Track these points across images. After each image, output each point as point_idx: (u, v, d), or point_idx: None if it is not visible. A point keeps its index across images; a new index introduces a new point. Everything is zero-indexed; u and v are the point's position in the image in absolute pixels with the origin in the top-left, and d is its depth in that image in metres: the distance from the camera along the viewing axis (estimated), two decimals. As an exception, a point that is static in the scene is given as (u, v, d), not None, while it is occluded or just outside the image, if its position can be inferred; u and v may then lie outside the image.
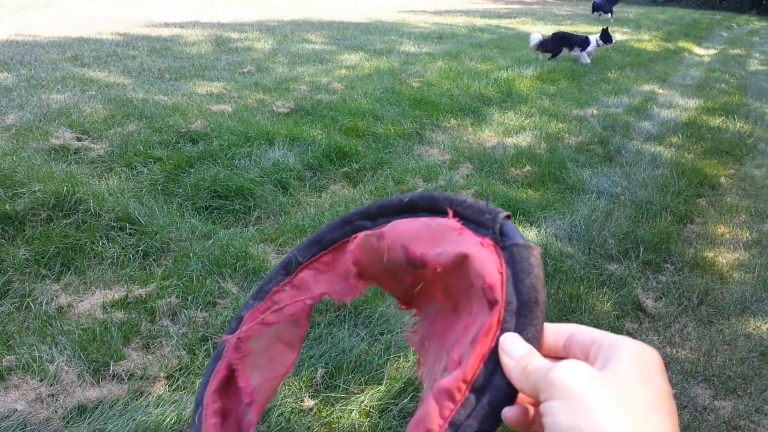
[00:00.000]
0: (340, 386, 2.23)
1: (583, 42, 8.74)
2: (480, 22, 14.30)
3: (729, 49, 13.25)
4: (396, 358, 2.40)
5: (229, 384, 0.56)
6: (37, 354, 2.27)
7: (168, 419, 2.01)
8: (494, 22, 14.51)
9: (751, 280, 3.30)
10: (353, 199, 3.81)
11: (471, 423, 0.42)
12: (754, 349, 2.71)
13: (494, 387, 0.43)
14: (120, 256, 2.97)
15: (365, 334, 2.52)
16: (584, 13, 18.86)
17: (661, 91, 7.89)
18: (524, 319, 0.44)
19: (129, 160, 3.99)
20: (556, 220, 3.74)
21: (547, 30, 12.82)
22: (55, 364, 2.23)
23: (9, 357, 2.24)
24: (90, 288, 2.74)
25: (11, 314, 2.53)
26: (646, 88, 7.95)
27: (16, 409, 2.02)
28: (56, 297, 2.65)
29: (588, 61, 8.85)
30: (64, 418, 2.02)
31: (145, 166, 3.94)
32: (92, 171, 3.83)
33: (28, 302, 2.59)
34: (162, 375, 2.23)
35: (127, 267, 2.91)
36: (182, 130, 4.47)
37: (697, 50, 12.29)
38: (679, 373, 2.54)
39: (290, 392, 2.17)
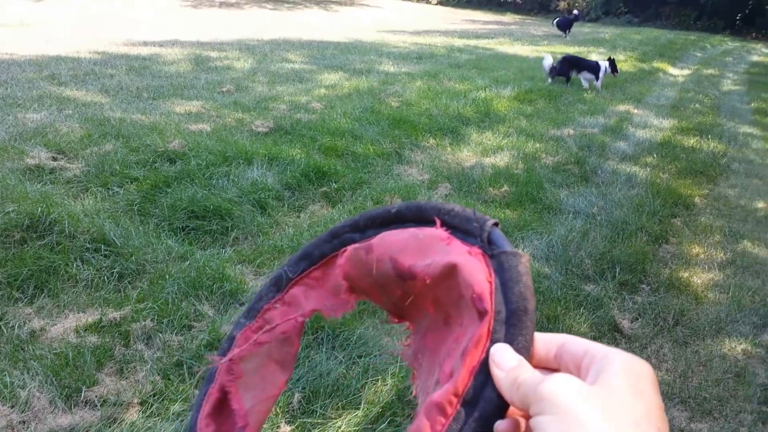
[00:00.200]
0: (317, 411, 2.21)
1: (594, 67, 8.92)
2: (458, 42, 14.44)
3: (703, 69, 13.50)
4: (374, 381, 2.39)
5: (223, 407, 0.55)
6: (8, 379, 2.22)
7: (141, 446, 1.98)
8: (472, 42, 14.66)
9: (725, 300, 3.34)
10: (332, 219, 3.80)
11: None
12: (730, 371, 2.74)
13: (485, 400, 0.42)
14: (94, 278, 2.93)
15: (343, 357, 2.51)
16: (560, 34, 19.12)
17: (636, 111, 8.01)
18: (514, 328, 0.43)
19: (105, 180, 3.96)
20: (533, 240, 3.76)
21: (526, 50, 12.98)
22: (27, 389, 2.19)
23: (-22, 383, 2.20)
24: (63, 311, 2.70)
25: (-18, 339, 2.48)
26: (622, 108, 8.07)
27: (-15, 437, 1.98)
28: (29, 320, 2.61)
29: (599, 86, 9.02)
30: (34, 446, 1.98)
31: (121, 186, 3.91)
32: (68, 191, 3.79)
33: (0, 326, 2.54)
34: (135, 401, 2.20)
35: (101, 289, 2.87)
36: (160, 150, 4.44)
37: (672, 71, 12.51)
38: (655, 394, 2.55)
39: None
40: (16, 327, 2.54)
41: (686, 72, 12.58)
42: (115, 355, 2.42)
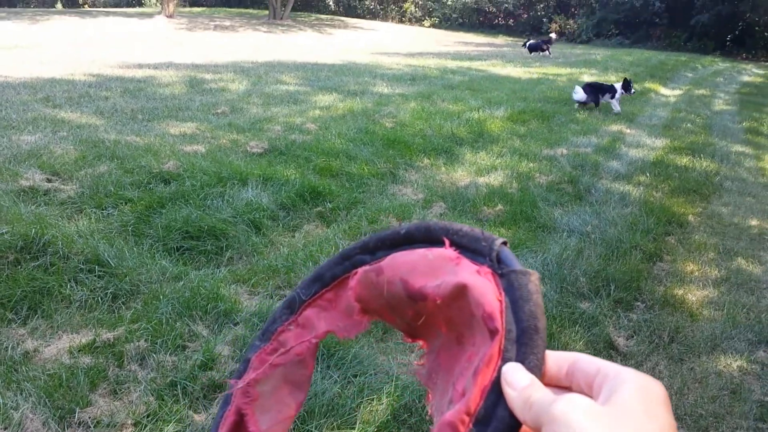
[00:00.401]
0: (312, 431, 2.19)
1: (610, 90, 9.12)
2: (451, 64, 14.56)
3: (694, 89, 13.62)
4: (369, 401, 2.38)
5: (239, 429, 0.55)
6: (1, 401, 2.20)
7: (135, 468, 1.96)
8: (465, 64, 14.78)
9: (720, 317, 3.34)
10: (327, 239, 3.81)
11: None
12: (725, 387, 2.74)
13: (497, 419, 0.42)
14: (88, 299, 2.92)
15: (338, 377, 2.49)
16: (553, 56, 19.32)
17: (628, 131, 8.07)
18: (525, 347, 0.43)
19: (99, 201, 3.95)
20: (528, 259, 3.76)
21: (519, 71, 13.09)
22: (20, 411, 2.17)
23: (-30, 405, 2.18)
24: (57, 332, 2.68)
25: (-26, 360, 2.46)
26: (614, 128, 8.12)
27: (-23, 460, 1.95)
28: (22, 342, 2.59)
29: (619, 108, 9.19)
30: (26, 468, 1.95)
31: (115, 207, 3.91)
32: (62, 212, 3.78)
33: (-8, 348, 2.52)
34: (129, 422, 2.18)
35: (95, 310, 2.86)
36: (154, 171, 4.45)
37: (663, 91, 12.63)
38: (652, 412, 2.54)
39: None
40: (9, 348, 2.52)
41: (678, 92, 12.70)
42: (109, 375, 2.41)
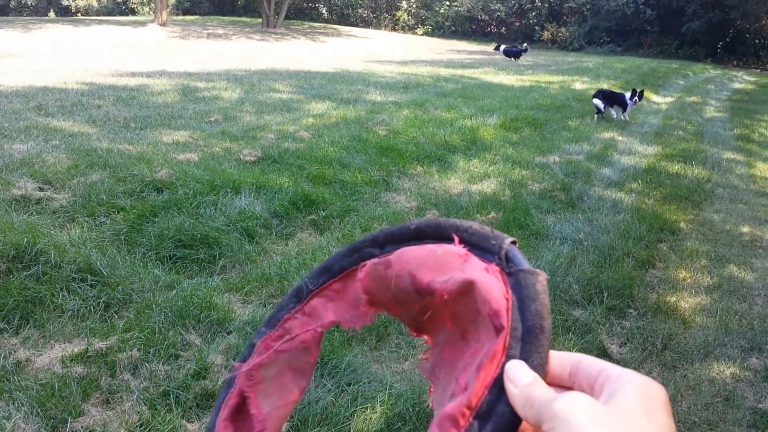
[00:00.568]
0: (306, 439, 2.19)
1: (622, 101, 9.31)
2: (444, 72, 14.60)
3: (686, 96, 13.70)
4: (363, 409, 2.37)
5: (240, 412, 0.56)
6: (-9, 412, 2.19)
7: (127, 478, 1.95)
8: (458, 72, 14.83)
9: (713, 324, 3.35)
10: (320, 247, 3.80)
11: None
12: (719, 394, 2.74)
13: (498, 414, 0.42)
14: (81, 308, 2.90)
15: (332, 385, 2.49)
16: (545, 63, 19.42)
17: (620, 138, 8.11)
18: (529, 346, 0.43)
19: (92, 209, 3.94)
20: (521, 267, 3.76)
21: (511, 79, 13.14)
22: (12, 421, 2.15)
23: (-39, 416, 2.16)
24: (49, 342, 2.67)
25: (-35, 371, 2.45)
26: (606, 135, 8.16)
27: (-33, 471, 1.94)
28: (14, 351, 2.58)
29: (626, 118, 9.40)
30: (17, 479, 1.94)
31: (108, 216, 3.90)
32: (54, 221, 3.77)
33: (-16, 358, 2.51)
34: (122, 431, 2.17)
35: (87, 319, 2.85)
36: (147, 180, 4.44)
37: (655, 98, 12.69)
38: (645, 419, 2.55)
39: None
40: (1, 358, 2.51)
41: (669, 99, 12.77)
42: (102, 385, 2.40)
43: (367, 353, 2.77)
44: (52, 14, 40.75)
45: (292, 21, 37.25)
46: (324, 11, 42.15)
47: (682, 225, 4.89)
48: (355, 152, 5.80)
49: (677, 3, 29.62)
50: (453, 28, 38.49)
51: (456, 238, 0.51)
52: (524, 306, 0.45)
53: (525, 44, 22.09)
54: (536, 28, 35.89)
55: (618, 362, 2.93)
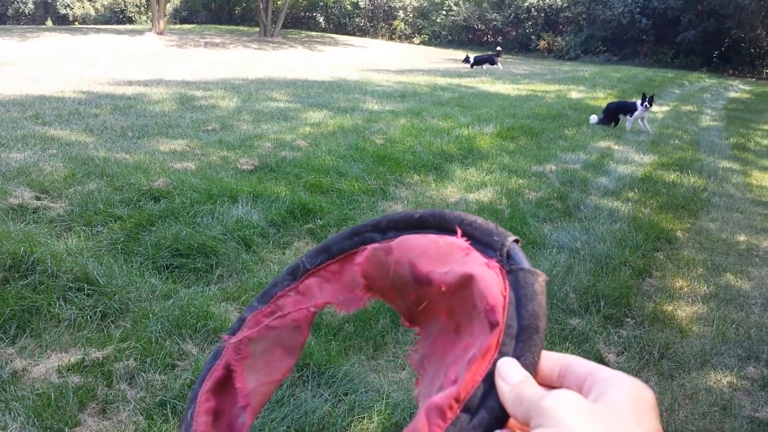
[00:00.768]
0: (303, 449, 2.18)
1: (631, 108, 9.46)
2: (441, 81, 14.64)
3: (681, 105, 13.75)
4: (360, 419, 2.37)
5: (225, 384, 0.55)
6: (-14, 422, 2.18)
7: (124, 489, 1.94)
8: (455, 81, 14.87)
9: (710, 333, 3.35)
10: (317, 257, 3.79)
11: None
12: (716, 403, 2.74)
13: (486, 409, 0.42)
14: (77, 317, 2.90)
15: (329, 395, 2.48)
16: (541, 72, 19.48)
17: (617, 147, 8.13)
18: (523, 344, 0.43)
19: (89, 219, 3.94)
20: (518, 276, 3.76)
21: (507, 88, 13.18)
22: (8, 431, 2.15)
23: (-44, 426, 2.15)
24: (46, 351, 2.66)
25: (-39, 381, 2.44)
26: (603, 144, 8.19)
27: (-37, 482, 1.93)
28: (11, 361, 2.57)
29: (630, 126, 9.53)
30: (13, 490, 1.93)
31: (105, 225, 3.89)
32: (51, 230, 3.76)
33: (-21, 368, 2.50)
34: (118, 442, 2.16)
35: (84, 329, 2.84)
36: (144, 188, 4.44)
37: (651, 107, 12.72)
38: (642, 428, 2.55)
39: (252, 457, 2.12)
40: (-4, 368, 2.50)
41: (665, 108, 12.81)
42: (98, 395, 2.39)
43: (364, 363, 2.77)
44: (49, 23, 40.81)
45: (290, 30, 37.34)
46: (321, 20, 42.27)
47: (679, 234, 4.90)
48: (352, 161, 5.81)
49: (673, 13, 29.78)
50: (450, 37, 38.61)
51: (459, 231, 0.51)
52: (521, 305, 0.45)
53: (498, 48, 22.15)
54: (532, 37, 36.04)
55: (615, 371, 2.92)
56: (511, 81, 15.48)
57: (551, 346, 3.02)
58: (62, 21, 42.09)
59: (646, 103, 9.14)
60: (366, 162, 5.82)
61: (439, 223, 0.53)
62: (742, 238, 4.94)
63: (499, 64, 20.23)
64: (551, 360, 0.45)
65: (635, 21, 30.95)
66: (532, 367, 0.43)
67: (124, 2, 44.07)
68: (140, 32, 29.06)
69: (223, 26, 37.94)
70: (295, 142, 6.44)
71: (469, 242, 0.50)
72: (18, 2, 41.44)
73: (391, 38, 40.36)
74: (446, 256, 0.50)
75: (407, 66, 20.39)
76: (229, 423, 0.54)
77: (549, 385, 0.44)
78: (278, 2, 34.21)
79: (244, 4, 42.07)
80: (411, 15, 40.55)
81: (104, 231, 3.82)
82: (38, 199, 4.17)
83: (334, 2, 40.00)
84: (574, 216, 5.05)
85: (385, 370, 2.73)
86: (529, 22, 36.14)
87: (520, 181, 5.87)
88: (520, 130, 8.23)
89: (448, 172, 6.02)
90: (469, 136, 7.49)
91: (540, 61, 29.25)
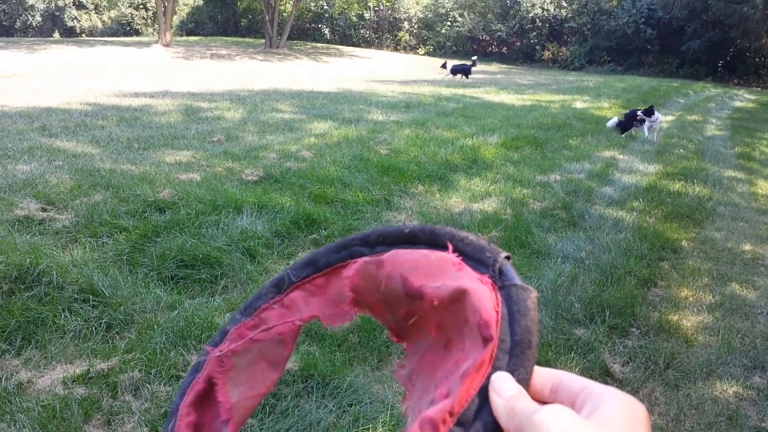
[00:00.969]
0: (307, 461, 2.18)
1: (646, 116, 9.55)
2: (445, 91, 14.68)
3: (686, 115, 13.74)
4: (365, 430, 2.36)
5: (206, 398, 0.54)
6: (-8, 433, 2.19)
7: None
8: (459, 91, 14.90)
9: (715, 342, 3.34)
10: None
11: None
12: (722, 413, 2.73)
13: (480, 423, 0.42)
14: (82, 329, 2.91)
15: (333, 406, 2.48)
16: (545, 82, 19.50)
17: (621, 156, 8.13)
18: (516, 359, 0.44)
19: (94, 230, 3.96)
20: (523, 286, 3.76)
21: (512, 98, 13.20)
22: (11, 443, 2.15)
23: (-38, 437, 2.16)
24: (51, 363, 2.67)
25: (-34, 392, 2.45)
26: (607, 154, 8.18)
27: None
28: (16, 372, 2.57)
29: (649, 136, 9.61)
30: (18, 501, 1.93)
31: (110, 237, 3.91)
32: (56, 242, 3.78)
33: (-15, 379, 2.51)
34: (123, 453, 2.16)
35: (89, 340, 2.85)
36: (149, 200, 4.46)
37: (650, 117, 12.71)
38: (648, 439, 2.53)
39: (256, 468, 2.12)
40: (3, 379, 2.51)
41: (670, 118, 12.80)
42: (103, 406, 2.39)
43: (369, 373, 2.77)
44: (57, 35, 41.13)
45: (295, 41, 37.53)
46: (326, 32, 42.48)
47: (684, 243, 4.89)
48: (357, 171, 5.83)
49: (677, 22, 29.83)
50: (454, 48, 38.74)
51: (450, 247, 0.51)
52: (514, 320, 0.45)
53: (474, 57, 22.25)
54: (537, 47, 36.13)
55: (620, 382, 2.92)
56: (515, 91, 15.50)
57: (556, 356, 3.01)
58: (69, 33, 42.41)
59: (640, 113, 9.30)
60: (370, 172, 5.83)
61: (429, 239, 0.52)
62: (747, 247, 4.93)
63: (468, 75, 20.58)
64: (544, 375, 0.46)
65: (640, 31, 31.02)
66: (525, 382, 0.43)
67: (131, 15, 44.39)
68: (147, 44, 29.25)
69: (229, 38, 38.16)
70: (299, 153, 6.47)
71: (460, 258, 0.50)
72: (26, 15, 41.78)
73: (395, 49, 40.53)
74: (439, 271, 0.50)
75: (412, 77, 20.44)
76: None
77: (541, 401, 0.44)
78: (284, 14, 34.41)
79: (250, 16, 42.34)
80: (416, 26, 40.73)
81: (110, 242, 3.83)
82: (44, 210, 4.19)
83: (339, 14, 40.20)
84: (579, 226, 5.04)
85: (390, 381, 2.73)
86: (534, 33, 36.24)
87: (525, 191, 5.87)
88: (525, 140, 8.24)
89: (452, 182, 6.02)
90: (474, 146, 7.50)
91: (544, 72, 29.31)
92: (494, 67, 32.38)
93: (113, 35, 41.88)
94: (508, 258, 0.49)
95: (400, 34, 41.07)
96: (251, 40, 37.45)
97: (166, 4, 29.32)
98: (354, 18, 41.26)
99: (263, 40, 33.57)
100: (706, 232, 5.29)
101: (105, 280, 3.24)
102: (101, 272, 3.35)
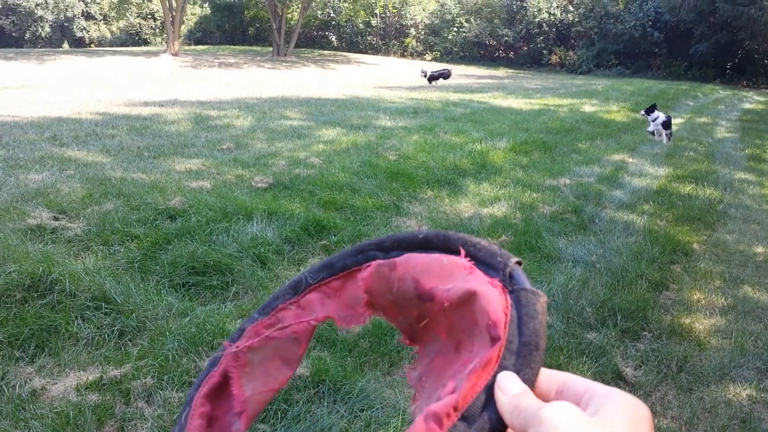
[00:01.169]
0: (319, 466, 2.18)
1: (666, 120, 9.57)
2: (453, 96, 14.68)
3: (696, 117, 13.69)
4: (377, 434, 2.36)
5: (221, 391, 0.56)
6: (6, 441, 2.20)
7: (142, 506, 1.94)
8: (467, 96, 14.91)
9: (728, 345, 3.32)
10: (332, 273, 3.80)
11: None
12: (735, 416, 2.71)
13: (483, 419, 0.43)
14: (95, 336, 2.92)
15: (345, 411, 2.48)
16: (553, 87, 19.48)
17: (631, 160, 8.10)
18: (523, 360, 0.44)
19: (106, 238, 3.98)
20: (533, 290, 3.75)
21: (520, 103, 13.19)
22: (26, 450, 2.16)
23: (-23, 445, 2.18)
24: (64, 370, 2.68)
25: (-19, 399, 2.47)
26: (617, 157, 8.16)
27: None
28: (30, 380, 2.59)
29: (658, 137, 9.61)
30: (33, 508, 1.94)
31: (122, 245, 3.93)
32: (69, 250, 3.81)
33: (1, 386, 2.52)
34: (136, 459, 2.17)
35: (102, 347, 2.86)
36: (160, 208, 4.48)
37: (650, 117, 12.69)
38: (662, 443, 2.52)
39: (269, 474, 2.12)
40: (17, 386, 2.53)
41: (679, 121, 12.76)
42: (116, 413, 2.40)
43: (380, 378, 2.77)
44: (66, 45, 41.47)
45: (302, 49, 37.68)
46: (334, 39, 42.66)
47: (695, 246, 4.86)
48: (366, 177, 5.84)
49: (685, 25, 29.76)
50: (461, 54, 38.80)
51: (462, 252, 0.52)
52: (522, 323, 0.46)
53: (450, 68, 22.45)
54: (544, 51, 36.13)
55: (633, 385, 2.91)
56: (523, 96, 15.49)
57: (568, 360, 3.00)
58: (79, 44, 42.75)
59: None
60: (379, 178, 5.84)
61: (443, 244, 0.54)
62: (759, 249, 4.90)
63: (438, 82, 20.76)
64: (549, 377, 0.47)
65: (647, 34, 30.97)
66: (530, 383, 0.44)
67: (140, 25, 44.71)
68: (155, 54, 29.44)
69: (237, 46, 38.36)
70: (308, 160, 6.49)
71: (472, 263, 0.51)
72: (35, 26, 42.15)
73: (403, 55, 40.62)
74: (450, 274, 0.51)
75: (419, 83, 20.47)
76: (222, 430, 0.55)
77: (547, 402, 0.45)
78: (291, 22, 34.57)
79: (258, 25, 42.56)
80: (422, 32, 40.82)
81: (121, 250, 3.86)
82: (56, 219, 4.22)
83: (346, 21, 40.35)
84: (589, 229, 5.03)
85: (401, 386, 2.72)
86: (541, 37, 36.24)
87: (534, 195, 5.86)
88: (534, 145, 8.23)
89: (461, 187, 6.02)
90: (482, 151, 7.50)
91: (552, 76, 29.28)
92: (501, 71, 32.37)
93: (122, 45, 42.19)
94: (519, 263, 0.50)
95: (407, 40, 41.17)
96: (259, 48, 37.63)
97: (174, 13, 29.52)
98: (361, 25, 41.41)
99: (271, 49, 33.74)
100: (718, 234, 5.26)
101: (117, 288, 3.26)
102: (113, 280, 3.37)
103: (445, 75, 20.56)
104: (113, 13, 40.10)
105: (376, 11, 39.21)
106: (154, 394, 2.53)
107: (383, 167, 6.25)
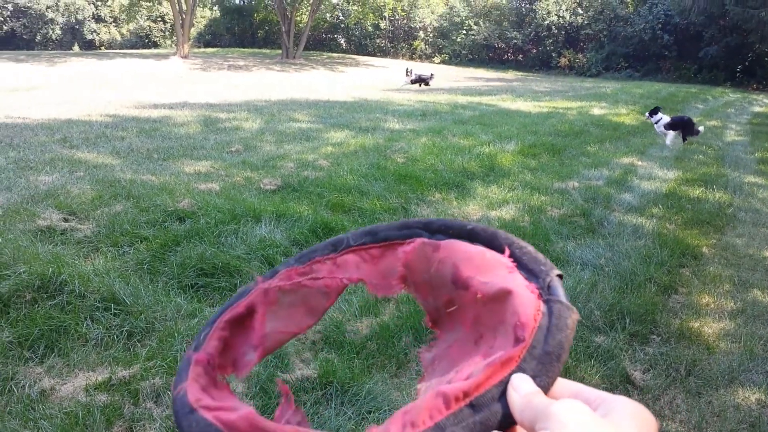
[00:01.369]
0: (327, 468, 2.18)
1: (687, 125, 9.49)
2: (462, 99, 14.68)
3: (705, 120, 13.61)
4: (384, 436, 2.36)
5: (242, 322, 0.57)
6: (16, 440, 2.22)
7: (150, 506, 1.95)
8: (476, 99, 14.90)
9: (737, 349, 3.30)
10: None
11: (457, 431, 0.42)
12: (744, 421, 2.70)
13: (491, 411, 0.43)
14: (104, 337, 2.94)
15: (352, 413, 2.49)
16: (562, 89, 19.45)
17: (640, 163, 8.07)
18: (542, 367, 0.45)
19: (115, 239, 4.00)
20: (541, 293, 3.74)
21: (528, 106, 13.17)
22: (35, 450, 2.18)
23: (-13, 444, 2.19)
24: (73, 370, 2.70)
25: (-9, 399, 2.48)
26: (626, 160, 8.13)
27: (-7, 499, 1.96)
28: (39, 380, 2.61)
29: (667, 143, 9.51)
30: (42, 507, 1.95)
31: (131, 246, 3.95)
32: (78, 251, 3.83)
33: (11, 386, 2.54)
34: (145, 460, 2.18)
35: (111, 348, 2.88)
36: (169, 209, 4.50)
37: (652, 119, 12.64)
38: (670, 447, 2.51)
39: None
40: (26, 386, 2.54)
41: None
42: (125, 413, 2.42)
43: (388, 380, 2.77)
44: (76, 48, 41.71)
45: (311, 52, 37.76)
46: (342, 42, 42.74)
47: (705, 250, 4.84)
48: (374, 180, 5.84)
49: (695, 28, 29.65)
50: (470, 56, 38.77)
51: (507, 251, 0.53)
52: (550, 333, 0.46)
53: (431, 73, 22.51)
54: (553, 54, 36.05)
55: (641, 389, 2.89)
56: (532, 98, 15.47)
57: (576, 364, 3.00)
58: (89, 46, 42.99)
59: (647, 115, 9.28)
60: (387, 181, 5.85)
61: (489, 240, 0.54)
62: (769, 253, 4.87)
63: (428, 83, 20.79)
64: (561, 387, 0.47)
65: (657, 37, 30.87)
66: (544, 390, 0.45)
67: (150, 27, 44.92)
68: (165, 56, 29.57)
69: (246, 49, 38.49)
70: (317, 162, 6.50)
71: (514, 263, 0.52)
72: (46, 28, 42.43)
73: (411, 58, 40.64)
74: (490, 268, 0.51)
75: (428, 85, 20.47)
76: (235, 358, 0.56)
77: None
78: (300, 25, 34.67)
79: (267, 28, 42.70)
80: (431, 35, 40.82)
81: (130, 251, 3.88)
82: (66, 220, 4.25)
83: (355, 24, 40.42)
84: (598, 233, 5.02)
85: (409, 388, 2.72)
86: (550, 40, 36.18)
87: (543, 198, 5.85)
88: (542, 147, 8.22)
89: (469, 189, 6.02)
90: (491, 153, 7.50)
91: (561, 78, 29.23)
92: (510, 74, 32.35)
93: (132, 48, 42.40)
94: (560, 276, 0.50)
95: (416, 43, 41.19)
96: (268, 51, 37.74)
97: (184, 16, 29.65)
98: (370, 28, 41.47)
99: (280, 51, 33.83)
100: (727, 238, 5.23)
101: (126, 289, 3.28)
102: (122, 281, 3.39)
103: (427, 81, 20.66)
104: (123, 16, 40.34)
105: (385, 14, 39.27)
106: (162, 395, 2.54)
107: (391, 170, 6.25)
